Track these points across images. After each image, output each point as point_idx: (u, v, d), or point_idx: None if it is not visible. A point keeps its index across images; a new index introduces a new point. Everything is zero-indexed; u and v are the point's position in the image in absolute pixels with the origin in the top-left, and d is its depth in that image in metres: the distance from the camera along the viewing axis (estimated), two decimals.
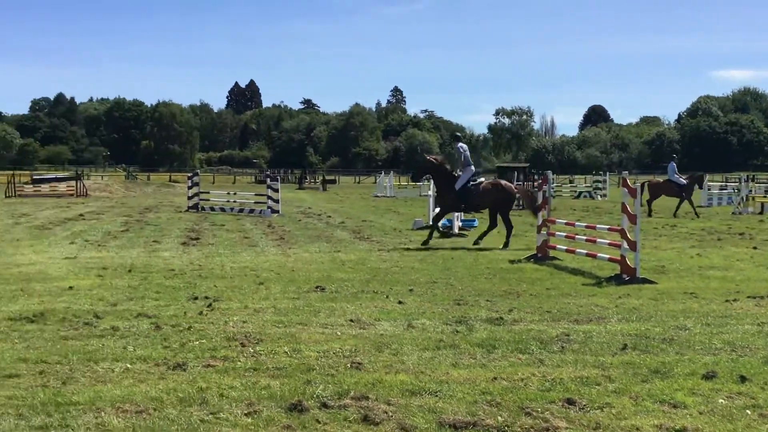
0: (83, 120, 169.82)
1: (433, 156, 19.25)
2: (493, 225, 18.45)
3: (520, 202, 19.63)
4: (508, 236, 17.93)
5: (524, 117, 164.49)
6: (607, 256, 13.32)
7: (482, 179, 18.93)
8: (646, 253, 15.14)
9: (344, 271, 13.27)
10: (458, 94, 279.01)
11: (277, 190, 28.54)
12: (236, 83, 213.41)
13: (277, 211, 27.93)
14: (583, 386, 6.34)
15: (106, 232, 20.45)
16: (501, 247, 17.38)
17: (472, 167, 18.43)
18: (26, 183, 49.91)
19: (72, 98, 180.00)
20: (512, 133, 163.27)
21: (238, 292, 10.99)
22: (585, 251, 14.17)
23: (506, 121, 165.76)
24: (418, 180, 18.49)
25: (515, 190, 18.84)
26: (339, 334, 8.25)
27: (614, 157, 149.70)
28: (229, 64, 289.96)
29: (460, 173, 18.21)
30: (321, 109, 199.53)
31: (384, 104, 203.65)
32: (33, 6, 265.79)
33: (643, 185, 30.33)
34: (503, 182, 19.25)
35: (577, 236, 15.25)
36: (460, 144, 18.72)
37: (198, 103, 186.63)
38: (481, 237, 18.11)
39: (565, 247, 14.90)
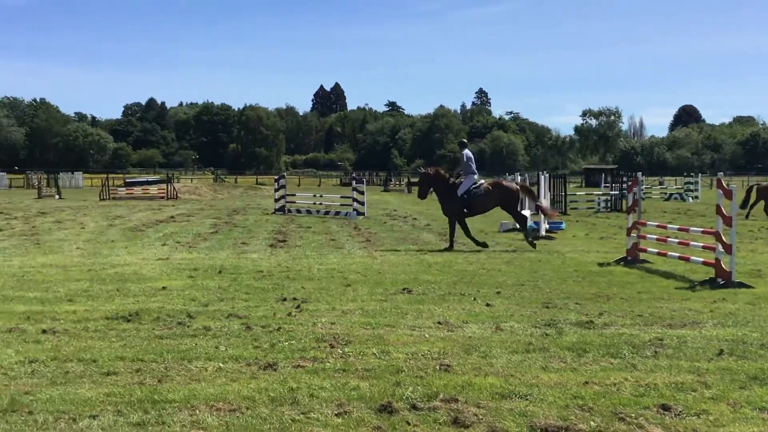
0: (173, 124, 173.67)
1: (428, 168, 19.65)
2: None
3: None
4: (523, 229, 18.38)
5: (612, 118, 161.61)
6: (701, 259, 13.02)
7: (482, 182, 19.14)
8: (742, 257, 14.77)
9: (431, 273, 13.27)
10: (544, 95, 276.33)
11: (362, 193, 28.70)
12: (321, 86, 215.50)
13: (363, 214, 28.08)
14: (679, 392, 6.21)
15: (196, 234, 20.86)
16: (523, 238, 18.08)
17: (475, 175, 18.71)
18: (119, 186, 51.34)
19: (162, 103, 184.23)
20: (599, 135, 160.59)
21: (326, 293, 11.09)
22: (677, 254, 13.87)
23: (593, 122, 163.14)
24: (424, 197, 18.38)
25: (516, 187, 18.95)
26: (427, 336, 8.25)
27: (706, 159, 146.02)
28: (315, 68, 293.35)
29: (462, 180, 18.48)
30: (406, 112, 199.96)
31: (468, 106, 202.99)
32: (125, 14, 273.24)
33: (751, 188, 29.60)
34: (504, 182, 19.72)
35: (668, 239, 14.93)
36: (465, 151, 18.78)
37: (284, 107, 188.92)
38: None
39: (656, 250, 14.60)
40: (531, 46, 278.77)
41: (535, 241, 17.76)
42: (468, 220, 18.60)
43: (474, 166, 18.58)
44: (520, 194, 18.83)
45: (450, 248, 17.39)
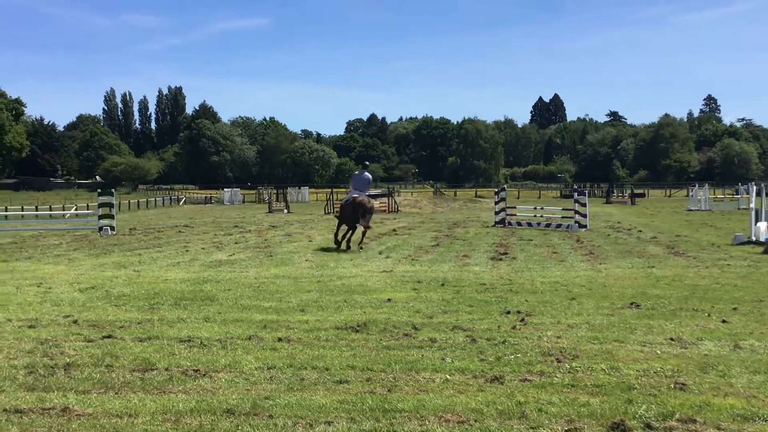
0: (393, 139, 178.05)
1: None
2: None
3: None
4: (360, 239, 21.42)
5: None
6: None
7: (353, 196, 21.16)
8: None
9: (660, 288, 12.80)
10: None
11: (584, 205, 28.14)
12: (540, 98, 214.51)
13: (585, 226, 27.52)
14: None
15: (418, 247, 21.17)
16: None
17: (354, 193, 21.22)
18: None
19: (383, 118, 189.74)
20: None
21: (550, 307, 10.95)
22: None
23: None
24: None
25: (360, 200, 20.69)
26: (659, 352, 7.97)
27: None
28: (533, 79, 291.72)
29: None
30: (628, 121, 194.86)
31: (696, 114, 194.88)
32: (345, 36, 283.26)
33: None
34: (358, 197, 20.94)
35: None
36: (362, 172, 21.91)
37: (502, 119, 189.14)
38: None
39: None
40: (765, 46, 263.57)
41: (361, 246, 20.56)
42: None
43: (360, 186, 21.42)
44: (362, 207, 20.50)
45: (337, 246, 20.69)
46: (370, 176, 22.22)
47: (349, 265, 16.80)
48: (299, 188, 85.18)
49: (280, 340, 8.78)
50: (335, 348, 8.38)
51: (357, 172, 22.32)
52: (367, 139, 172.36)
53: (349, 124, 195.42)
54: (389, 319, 10.05)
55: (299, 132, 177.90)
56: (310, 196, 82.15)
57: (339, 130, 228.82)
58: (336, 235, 21.22)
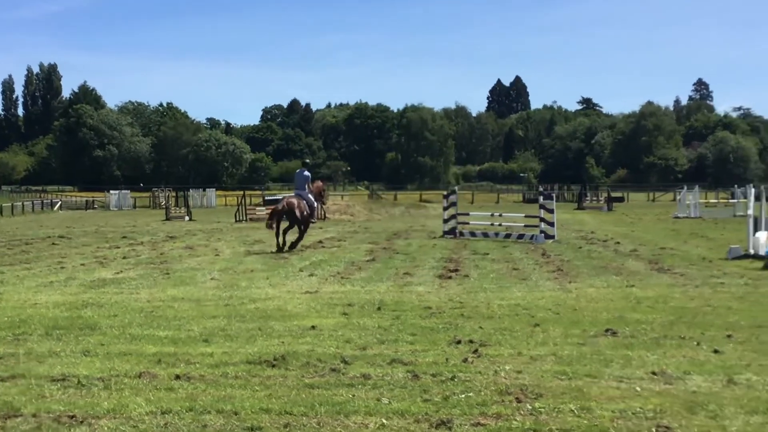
0: (320, 129, 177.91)
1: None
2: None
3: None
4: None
5: None
6: None
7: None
8: None
9: (641, 311, 13.01)
10: None
11: (551, 211, 28.47)
12: (498, 81, 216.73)
13: (552, 237, 27.84)
14: None
15: (350, 262, 21.22)
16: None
17: (290, 195, 26.38)
18: (258, 205, 53.02)
19: (307, 105, 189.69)
20: None
21: (509, 335, 11.05)
22: None
23: None
24: None
25: (289, 202, 25.16)
26: (638, 389, 8.10)
27: None
28: (491, 58, 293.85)
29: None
30: (603, 110, 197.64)
31: (684, 102, 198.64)
32: (261, 3, 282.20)
33: None
34: (288, 199, 25.67)
35: None
36: (302, 170, 26.38)
37: (453, 106, 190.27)
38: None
39: None
40: (766, 21, 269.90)
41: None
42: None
43: (299, 185, 26.01)
44: (293, 209, 24.78)
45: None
46: (308, 174, 26.01)
47: (264, 285, 16.78)
48: (204, 190, 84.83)
49: (177, 377, 8.73)
50: (246, 387, 8.35)
51: (297, 170, 26.46)
52: (288, 129, 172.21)
53: (266, 111, 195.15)
54: (313, 350, 10.05)
55: (204, 121, 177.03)
56: (218, 200, 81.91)
57: (253, 119, 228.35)
58: (276, 236, 24.76)
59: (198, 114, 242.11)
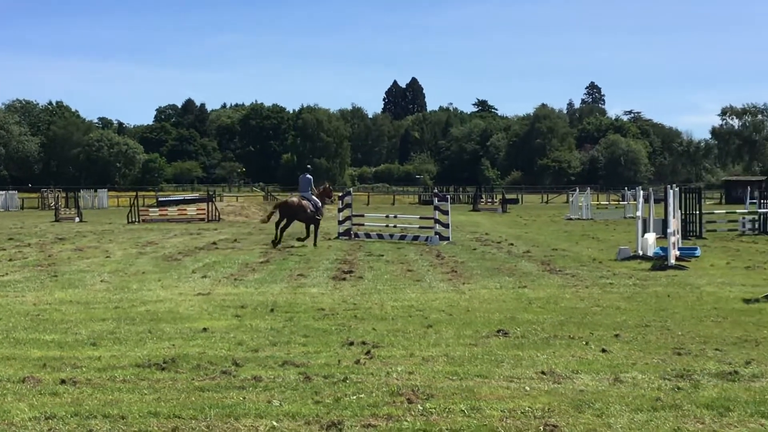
0: (215, 130, 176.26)
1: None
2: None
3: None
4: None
5: (759, 117, 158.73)
6: None
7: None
8: None
9: (532, 312, 13.22)
10: (672, 89, 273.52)
11: (446, 212, 28.69)
12: (395, 82, 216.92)
13: (447, 238, 28.06)
14: None
15: (244, 264, 21.11)
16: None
17: (293, 195, 29.81)
18: (151, 206, 52.37)
19: (202, 105, 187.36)
20: (743, 138, 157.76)
21: (402, 336, 11.12)
22: None
23: (735, 122, 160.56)
24: None
25: (292, 201, 27.99)
26: (528, 389, 8.22)
27: None
28: (386, 60, 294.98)
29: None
30: (499, 112, 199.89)
31: (577, 105, 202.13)
32: (154, 2, 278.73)
33: None
34: (289, 199, 28.91)
35: None
36: (304, 175, 28.72)
37: (349, 107, 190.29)
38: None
39: None
40: (657, 27, 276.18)
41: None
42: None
43: (302, 188, 28.41)
44: (294, 208, 27.23)
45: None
46: (309, 177, 28.53)
47: (156, 287, 16.59)
48: (95, 191, 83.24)
49: (63, 382, 8.57)
50: (135, 391, 8.24)
51: (300, 175, 29.06)
52: (182, 130, 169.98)
53: (160, 111, 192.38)
54: (204, 353, 9.98)
55: (96, 121, 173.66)
56: (110, 201, 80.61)
57: (147, 118, 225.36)
58: (276, 230, 27.13)
59: (89, 113, 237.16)
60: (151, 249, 26.16)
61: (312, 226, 27.74)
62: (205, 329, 11.64)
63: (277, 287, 16.56)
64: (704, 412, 7.37)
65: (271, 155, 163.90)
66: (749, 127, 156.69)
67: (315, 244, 27.04)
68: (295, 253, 24.15)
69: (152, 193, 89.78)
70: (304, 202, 27.43)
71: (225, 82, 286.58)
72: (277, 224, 27.12)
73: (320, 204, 28.31)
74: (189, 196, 66.18)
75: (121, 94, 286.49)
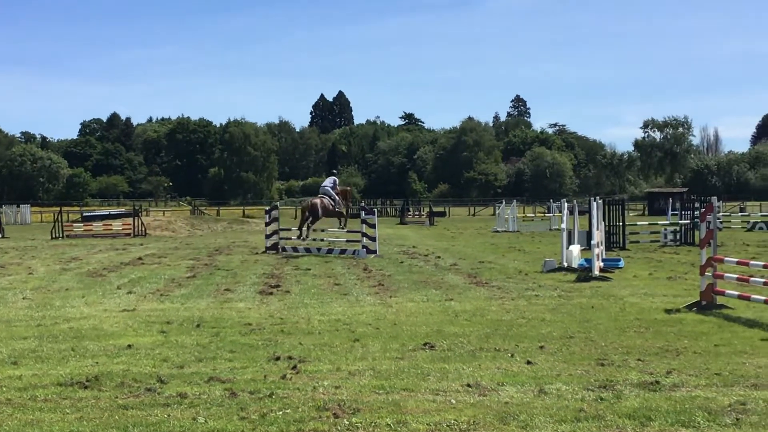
0: (141, 144, 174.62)
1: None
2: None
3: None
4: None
5: (680, 130, 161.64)
6: None
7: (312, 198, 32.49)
8: None
9: (458, 325, 13.27)
10: (596, 103, 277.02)
11: (374, 226, 28.73)
12: (322, 96, 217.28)
13: (374, 251, 28.10)
14: None
15: (170, 279, 20.92)
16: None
17: (315, 197, 31.89)
18: (75, 221, 51.70)
19: (128, 119, 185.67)
20: (665, 151, 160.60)
21: (329, 350, 11.10)
22: (763, 298, 13.82)
23: (657, 135, 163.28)
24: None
25: (313, 202, 30.96)
26: (453, 402, 8.25)
27: None
28: (313, 74, 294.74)
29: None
30: (426, 126, 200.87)
31: (503, 118, 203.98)
32: (78, 13, 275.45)
33: None
34: (312, 200, 31.57)
35: (752, 279, 14.88)
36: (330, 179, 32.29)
37: (276, 121, 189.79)
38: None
39: (737, 293, 14.56)
40: (580, 42, 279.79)
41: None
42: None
43: (322, 191, 31.69)
44: (316, 208, 30.41)
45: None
46: (334, 178, 32.35)
47: (80, 304, 16.38)
48: (18, 206, 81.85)
49: None
50: (56, 410, 8.11)
51: (326, 178, 32.67)
52: (108, 144, 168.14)
53: (84, 125, 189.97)
54: (128, 370, 9.86)
55: (18, 135, 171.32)
56: (33, 217, 79.23)
57: (71, 133, 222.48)
58: (300, 227, 30.42)
59: (11, 128, 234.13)
60: (76, 265, 25.80)
61: (337, 218, 32.28)
62: (129, 346, 11.50)
63: (204, 302, 16.44)
64: (626, 422, 7.46)
65: (197, 169, 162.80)
66: (670, 139, 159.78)
67: (344, 227, 31.68)
68: (222, 268, 24.00)
69: (77, 208, 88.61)
70: (325, 200, 30.83)
71: (151, 95, 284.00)
72: (302, 222, 30.33)
73: (338, 199, 31.46)
74: (114, 211, 65.53)
75: (44, 108, 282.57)
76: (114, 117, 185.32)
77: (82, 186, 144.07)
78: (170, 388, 8.95)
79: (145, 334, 12.68)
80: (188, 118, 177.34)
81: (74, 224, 49.72)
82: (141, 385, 9.06)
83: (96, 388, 8.96)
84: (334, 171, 37.38)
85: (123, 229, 47.38)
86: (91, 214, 59.92)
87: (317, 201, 30.78)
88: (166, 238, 44.11)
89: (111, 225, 48.88)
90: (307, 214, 30.52)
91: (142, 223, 48.07)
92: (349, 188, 35.38)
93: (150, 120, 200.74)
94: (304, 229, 30.19)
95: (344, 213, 32.12)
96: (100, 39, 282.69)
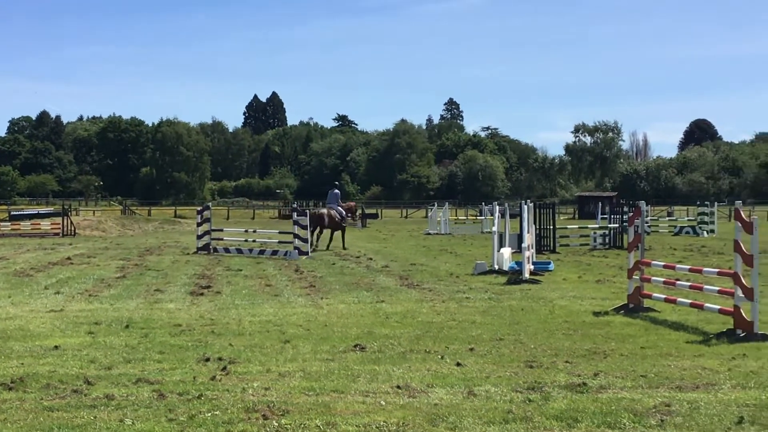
0: (71, 143, 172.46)
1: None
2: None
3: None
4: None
5: (610, 135, 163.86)
6: (717, 306, 13.17)
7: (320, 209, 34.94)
8: None
9: (389, 326, 13.29)
10: (527, 107, 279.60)
11: (305, 227, 28.68)
12: (255, 97, 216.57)
13: (306, 253, 28.04)
14: None
15: (99, 280, 20.68)
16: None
17: (322, 208, 35.06)
18: (2, 220, 50.82)
19: (57, 117, 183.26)
20: (595, 155, 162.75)
21: (259, 352, 11.05)
22: (689, 301, 14.02)
23: (588, 139, 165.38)
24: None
25: (318, 213, 33.07)
26: (383, 403, 8.25)
27: (723, 184, 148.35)
28: (247, 74, 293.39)
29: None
30: (359, 128, 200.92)
31: (436, 120, 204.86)
32: (9, 12, 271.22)
33: None
34: (319, 211, 33.94)
35: (678, 282, 15.09)
36: (333, 190, 34.37)
37: (209, 122, 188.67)
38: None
39: (663, 296, 14.75)
40: (512, 46, 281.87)
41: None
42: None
43: (330, 201, 33.84)
44: (323, 218, 32.24)
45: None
46: (338, 191, 34.26)
47: (6, 304, 16.12)
48: None
49: None
50: None
51: (329, 191, 34.46)
52: (37, 142, 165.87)
53: (13, 123, 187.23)
54: (55, 372, 9.72)
55: None
56: None
57: None
58: (310, 236, 29.97)
59: None
60: (2, 265, 25.39)
61: (337, 233, 33.69)
62: (56, 347, 11.34)
63: (133, 303, 16.28)
64: (554, 423, 7.52)
65: (129, 169, 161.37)
66: (601, 144, 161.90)
67: (344, 247, 33.00)
68: (153, 268, 23.78)
69: (4, 207, 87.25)
70: (332, 212, 32.88)
71: (82, 94, 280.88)
72: (311, 232, 30.74)
73: (344, 213, 33.67)
74: (43, 210, 64.60)
75: None
76: (44, 115, 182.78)
77: (10, 184, 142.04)
78: (97, 389, 8.84)
79: (72, 335, 12.52)
80: (120, 117, 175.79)
81: (1, 223, 48.90)
82: (67, 387, 8.93)
83: (21, 390, 8.82)
84: (337, 183, 38.39)
85: (52, 228, 46.73)
86: (19, 213, 58.98)
87: (324, 211, 32.89)
88: (96, 238, 43.60)
89: (39, 224, 48.18)
90: (312, 223, 31.10)
91: (71, 222, 47.44)
92: (353, 203, 39.06)
93: (81, 118, 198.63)
94: (313, 238, 31.04)
95: (344, 228, 34.17)
96: (30, 36, 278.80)
